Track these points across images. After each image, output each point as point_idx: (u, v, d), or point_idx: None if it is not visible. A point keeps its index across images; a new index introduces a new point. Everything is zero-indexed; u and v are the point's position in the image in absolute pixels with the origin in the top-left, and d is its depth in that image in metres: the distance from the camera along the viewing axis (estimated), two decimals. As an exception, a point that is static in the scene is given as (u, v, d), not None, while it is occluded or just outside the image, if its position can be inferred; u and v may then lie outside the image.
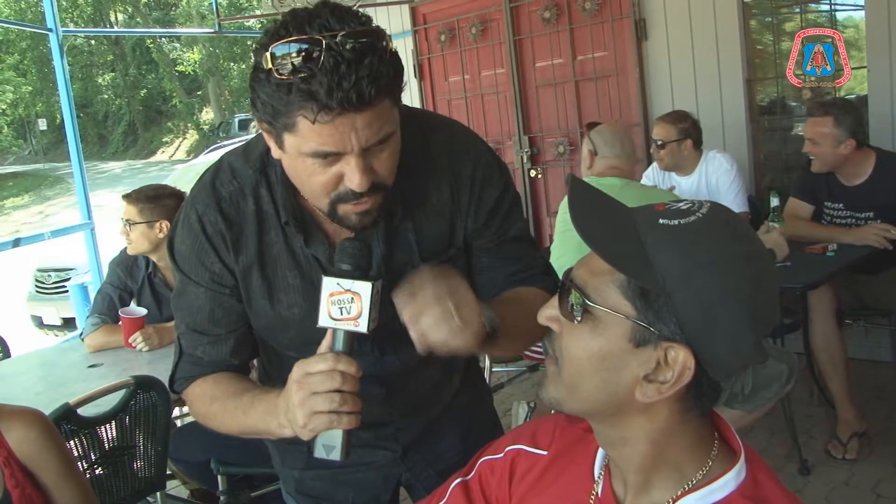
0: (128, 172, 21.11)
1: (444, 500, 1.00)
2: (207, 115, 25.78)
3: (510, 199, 1.17)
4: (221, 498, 2.38)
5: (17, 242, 4.45)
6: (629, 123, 4.26)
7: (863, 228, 2.86)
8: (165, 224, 2.58)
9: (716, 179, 3.31)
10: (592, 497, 0.87)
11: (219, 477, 2.36)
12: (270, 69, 0.89)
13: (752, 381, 2.27)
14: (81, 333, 2.75)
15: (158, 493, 2.20)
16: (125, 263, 2.74)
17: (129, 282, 2.72)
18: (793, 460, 2.74)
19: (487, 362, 3.09)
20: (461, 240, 1.15)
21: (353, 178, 0.94)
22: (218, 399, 1.14)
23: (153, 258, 2.69)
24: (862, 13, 3.60)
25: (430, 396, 1.29)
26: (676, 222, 0.74)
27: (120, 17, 25.83)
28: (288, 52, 0.88)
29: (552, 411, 0.95)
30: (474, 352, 1.01)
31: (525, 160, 4.79)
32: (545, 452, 0.94)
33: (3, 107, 24.24)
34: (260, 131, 1.02)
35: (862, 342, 3.41)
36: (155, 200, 2.62)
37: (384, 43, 0.90)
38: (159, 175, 14.02)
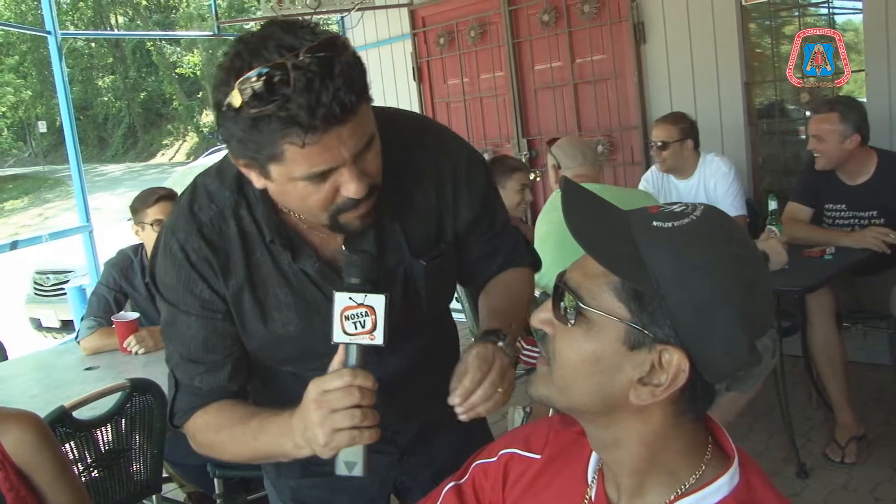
0: (127, 175, 21.06)
1: (438, 503, 1.00)
2: (207, 117, 25.71)
3: (494, 191, 1.23)
4: (217, 501, 2.39)
5: (15, 245, 4.45)
6: (628, 126, 4.27)
7: (861, 232, 2.85)
8: None
9: (714, 183, 3.30)
10: (586, 501, 0.86)
11: (215, 480, 2.37)
12: (240, 106, 0.85)
13: None
14: (77, 336, 2.74)
15: (154, 496, 2.19)
16: (120, 265, 2.73)
17: (123, 283, 2.72)
18: (791, 464, 2.72)
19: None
20: (451, 235, 1.16)
21: (351, 188, 0.94)
22: (224, 427, 1.11)
23: None
24: (860, 16, 3.60)
25: (428, 399, 1.28)
26: (670, 225, 0.74)
27: (120, 19, 25.84)
28: (253, 83, 0.84)
29: (550, 412, 0.96)
30: None
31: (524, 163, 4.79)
32: (538, 456, 0.94)
33: (3, 109, 24.22)
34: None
35: (860, 345, 3.41)
36: None
37: (345, 46, 0.88)
38: (159, 178, 14.01)
